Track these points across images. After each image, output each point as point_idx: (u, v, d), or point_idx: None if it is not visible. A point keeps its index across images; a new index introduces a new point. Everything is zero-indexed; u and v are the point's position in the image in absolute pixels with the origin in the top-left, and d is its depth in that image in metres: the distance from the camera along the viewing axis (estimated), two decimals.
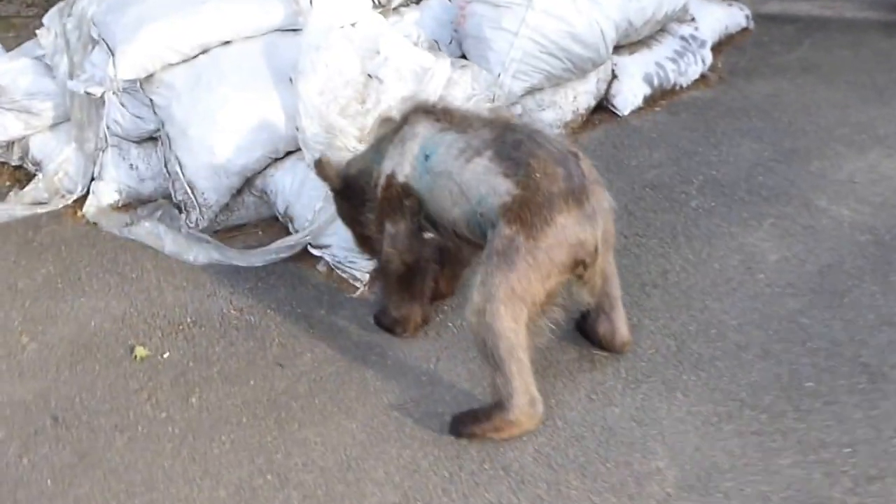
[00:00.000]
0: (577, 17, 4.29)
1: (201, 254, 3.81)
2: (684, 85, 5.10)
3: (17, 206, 4.32)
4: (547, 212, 2.58)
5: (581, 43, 4.33)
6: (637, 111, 4.86)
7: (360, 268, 3.57)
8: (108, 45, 3.98)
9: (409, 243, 3.04)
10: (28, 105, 4.40)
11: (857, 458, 2.59)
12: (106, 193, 4.19)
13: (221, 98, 3.85)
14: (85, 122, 4.25)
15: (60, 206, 4.31)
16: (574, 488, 2.58)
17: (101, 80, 4.01)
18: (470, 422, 2.77)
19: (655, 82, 4.95)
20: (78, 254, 3.98)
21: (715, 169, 4.25)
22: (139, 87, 3.98)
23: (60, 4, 4.54)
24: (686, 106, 4.96)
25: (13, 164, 4.65)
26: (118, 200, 4.21)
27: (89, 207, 4.20)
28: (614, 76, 4.81)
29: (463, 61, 4.18)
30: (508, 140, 2.74)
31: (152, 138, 4.18)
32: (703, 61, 5.22)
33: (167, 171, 4.01)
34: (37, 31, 4.55)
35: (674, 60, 5.05)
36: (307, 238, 3.69)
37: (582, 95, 4.63)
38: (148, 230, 3.99)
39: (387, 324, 3.28)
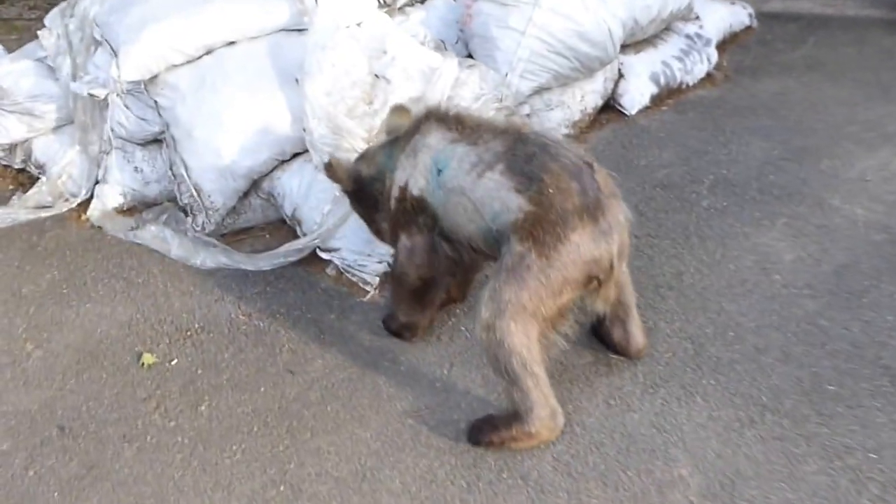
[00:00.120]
0: (585, 15, 4.27)
1: (208, 258, 3.76)
2: (691, 84, 5.11)
3: (20, 210, 4.25)
4: (560, 230, 2.50)
5: (589, 41, 4.29)
6: (644, 110, 4.85)
7: (370, 271, 3.52)
8: (111, 46, 3.92)
9: (426, 258, 2.95)
10: (31, 107, 4.33)
11: (883, 463, 2.55)
12: (110, 197, 4.14)
13: (226, 99, 3.79)
14: (88, 124, 4.19)
15: (64, 209, 4.25)
16: (595, 497, 2.53)
17: (105, 82, 3.96)
18: (488, 430, 2.72)
19: (662, 81, 4.94)
20: (83, 258, 3.92)
21: (725, 168, 4.22)
22: (143, 89, 3.93)
23: (62, 5, 4.46)
24: (693, 105, 4.94)
25: (16, 167, 4.58)
26: (123, 204, 4.16)
27: (94, 211, 4.14)
28: (621, 75, 4.79)
29: (470, 61, 4.13)
30: (520, 153, 2.65)
31: (157, 140, 4.12)
32: (709, 60, 5.22)
33: (172, 174, 3.95)
34: (38, 33, 4.47)
35: (680, 59, 5.05)
36: (316, 241, 3.63)
37: (589, 95, 4.61)
38: (154, 234, 3.94)
39: (395, 328, 3.24)
